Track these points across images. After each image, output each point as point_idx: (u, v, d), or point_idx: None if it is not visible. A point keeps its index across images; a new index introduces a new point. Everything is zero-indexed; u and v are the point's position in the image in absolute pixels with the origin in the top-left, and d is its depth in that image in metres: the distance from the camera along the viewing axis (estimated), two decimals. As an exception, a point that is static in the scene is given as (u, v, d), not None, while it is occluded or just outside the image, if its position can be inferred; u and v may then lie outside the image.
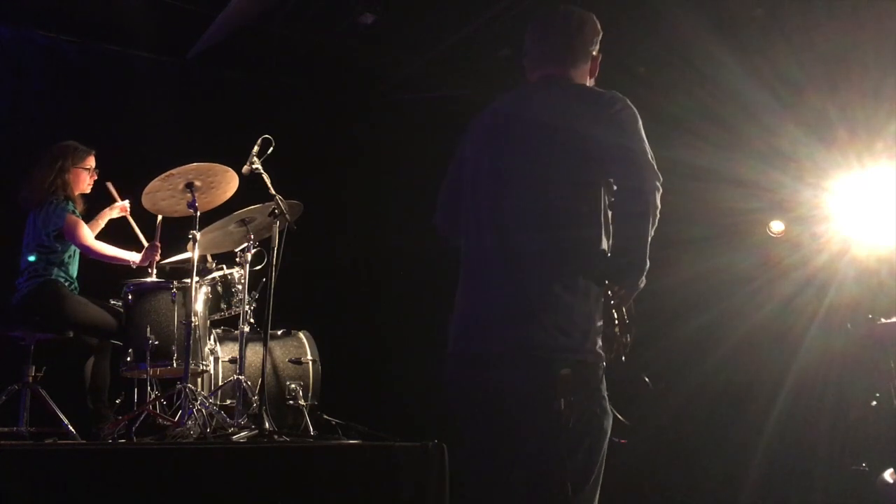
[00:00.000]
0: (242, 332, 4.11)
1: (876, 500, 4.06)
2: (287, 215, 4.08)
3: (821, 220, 5.08)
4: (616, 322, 2.21)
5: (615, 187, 2.30)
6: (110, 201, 4.48)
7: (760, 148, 5.06)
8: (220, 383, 4.32)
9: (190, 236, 3.98)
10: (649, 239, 2.25)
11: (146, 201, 4.07)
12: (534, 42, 2.51)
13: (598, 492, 2.29)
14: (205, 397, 3.95)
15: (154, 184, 3.96)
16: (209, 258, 4.44)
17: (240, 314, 4.17)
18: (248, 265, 4.19)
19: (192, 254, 3.99)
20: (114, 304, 4.24)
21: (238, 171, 4.14)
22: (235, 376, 4.09)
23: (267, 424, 3.81)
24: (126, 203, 4.46)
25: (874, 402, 4.36)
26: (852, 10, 4.70)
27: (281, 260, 4.04)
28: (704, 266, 5.03)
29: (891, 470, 4.04)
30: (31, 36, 5.30)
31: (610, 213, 2.33)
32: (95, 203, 4.44)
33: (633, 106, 2.32)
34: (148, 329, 3.98)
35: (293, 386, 4.46)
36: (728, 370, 4.99)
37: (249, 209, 4.13)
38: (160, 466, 2.88)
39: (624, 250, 2.27)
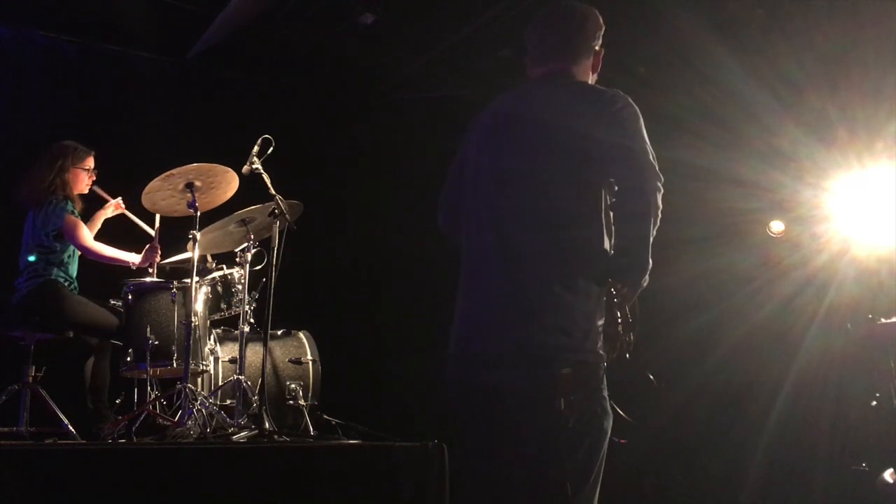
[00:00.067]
0: (242, 332, 4.11)
1: (876, 500, 4.05)
2: (287, 215, 4.08)
3: (821, 220, 5.07)
4: (619, 321, 2.21)
5: (616, 187, 2.30)
6: (102, 203, 4.47)
7: (760, 148, 5.06)
8: (220, 383, 4.32)
9: (190, 236, 3.98)
10: (651, 239, 2.24)
11: (146, 201, 4.07)
12: (535, 38, 2.50)
13: (598, 492, 2.29)
14: (205, 397, 3.95)
15: (154, 184, 3.96)
16: (209, 258, 4.44)
17: (240, 314, 4.17)
18: (248, 265, 4.19)
19: (192, 254, 3.99)
20: (114, 304, 4.24)
21: (238, 172, 4.14)
22: (235, 376, 4.09)
23: (267, 424, 3.82)
24: (119, 200, 4.46)
25: (874, 402, 4.36)
26: (852, 10, 4.70)
27: (281, 260, 4.04)
28: (704, 266, 5.03)
29: (891, 470, 4.04)
30: (31, 36, 5.29)
31: (611, 213, 2.32)
32: (87, 206, 4.42)
33: (634, 104, 2.30)
34: (148, 329, 3.98)
35: (293, 386, 4.46)
36: (728, 370, 4.99)
37: (249, 209, 4.13)
38: (160, 466, 2.88)
39: (626, 250, 2.26)
